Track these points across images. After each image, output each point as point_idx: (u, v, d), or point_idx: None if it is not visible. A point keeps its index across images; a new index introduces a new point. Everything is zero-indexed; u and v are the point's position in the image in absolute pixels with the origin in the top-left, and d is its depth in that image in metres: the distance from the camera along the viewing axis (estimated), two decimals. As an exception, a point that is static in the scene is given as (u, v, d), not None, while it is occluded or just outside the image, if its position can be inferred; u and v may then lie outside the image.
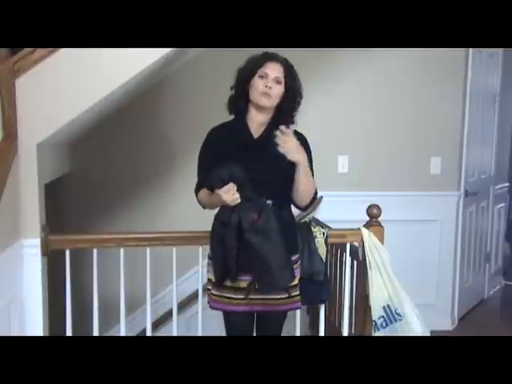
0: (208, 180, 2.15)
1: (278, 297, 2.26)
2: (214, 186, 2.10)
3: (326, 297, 2.60)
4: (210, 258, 2.32)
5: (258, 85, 2.22)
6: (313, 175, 2.31)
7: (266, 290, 2.21)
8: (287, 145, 2.14)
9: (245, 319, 2.34)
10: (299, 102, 2.31)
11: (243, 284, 2.24)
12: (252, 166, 2.14)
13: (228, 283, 2.24)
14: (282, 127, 2.15)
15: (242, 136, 2.26)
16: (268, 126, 2.27)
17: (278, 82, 2.22)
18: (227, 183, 2.07)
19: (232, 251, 2.12)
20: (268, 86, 2.20)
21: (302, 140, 2.31)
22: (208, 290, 2.35)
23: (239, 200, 2.08)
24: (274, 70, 2.22)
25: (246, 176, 2.10)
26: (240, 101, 2.29)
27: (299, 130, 2.35)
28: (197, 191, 2.33)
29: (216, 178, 2.09)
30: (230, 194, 2.07)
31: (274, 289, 2.21)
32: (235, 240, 2.11)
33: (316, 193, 2.33)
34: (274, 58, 2.25)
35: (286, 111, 2.28)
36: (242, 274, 2.21)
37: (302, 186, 2.24)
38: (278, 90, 2.23)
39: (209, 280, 2.34)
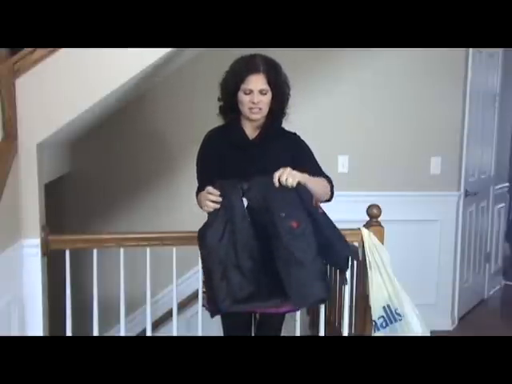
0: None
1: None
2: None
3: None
4: None
5: (244, 101, 2.19)
6: (320, 169, 2.30)
7: (302, 304, 2.17)
8: (286, 180, 2.06)
9: (243, 321, 2.32)
10: (288, 94, 2.28)
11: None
12: (249, 167, 2.13)
13: None
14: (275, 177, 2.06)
15: (237, 139, 2.26)
16: (263, 128, 2.27)
17: (264, 93, 2.19)
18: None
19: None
20: (255, 102, 2.18)
21: (296, 140, 2.31)
22: (204, 292, 2.34)
23: (210, 210, 2.06)
24: (257, 84, 2.18)
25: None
26: (231, 111, 2.28)
27: (298, 130, 2.35)
28: (197, 194, 2.31)
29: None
30: (209, 196, 2.05)
31: (311, 302, 2.17)
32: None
33: (331, 184, 2.31)
34: (254, 69, 2.18)
35: (277, 110, 2.27)
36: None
37: (317, 193, 2.19)
38: (265, 100, 2.20)
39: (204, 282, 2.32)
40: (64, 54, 2.37)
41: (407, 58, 3.79)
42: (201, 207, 2.29)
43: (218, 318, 2.36)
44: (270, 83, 2.20)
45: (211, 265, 2.06)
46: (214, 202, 2.06)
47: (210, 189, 2.06)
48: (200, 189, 2.29)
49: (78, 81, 2.43)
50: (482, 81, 4.22)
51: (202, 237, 2.08)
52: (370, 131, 3.88)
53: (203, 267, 2.17)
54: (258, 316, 2.40)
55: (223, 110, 2.31)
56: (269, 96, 2.21)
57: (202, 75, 3.67)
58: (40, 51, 2.35)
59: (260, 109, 2.20)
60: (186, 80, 3.72)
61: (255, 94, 2.18)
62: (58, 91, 2.42)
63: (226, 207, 2.05)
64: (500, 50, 4.47)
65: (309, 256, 2.02)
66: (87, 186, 3.77)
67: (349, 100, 3.86)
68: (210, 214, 2.10)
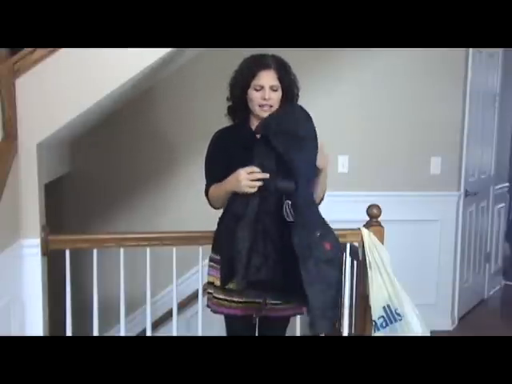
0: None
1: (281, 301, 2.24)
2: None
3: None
4: (211, 260, 2.31)
5: (255, 98, 2.17)
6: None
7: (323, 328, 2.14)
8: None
9: (247, 325, 2.31)
10: (297, 95, 2.27)
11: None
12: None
13: (231, 286, 2.19)
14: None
15: (246, 138, 2.23)
16: None
17: (275, 90, 2.18)
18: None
19: (243, 244, 2.02)
20: (266, 99, 2.16)
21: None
22: (209, 293, 2.33)
23: (254, 189, 2.03)
24: (268, 80, 2.16)
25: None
26: (240, 112, 2.26)
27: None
28: (207, 192, 2.29)
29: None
30: (249, 176, 2.03)
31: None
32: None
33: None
34: (265, 65, 2.18)
35: None
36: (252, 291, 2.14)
37: (320, 187, 2.23)
38: (276, 97, 2.19)
39: (210, 283, 2.32)
40: (64, 53, 2.37)
41: (407, 57, 3.79)
42: (211, 205, 2.28)
43: (220, 318, 2.36)
44: (280, 80, 2.18)
45: (241, 239, 2.03)
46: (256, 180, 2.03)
47: (253, 168, 2.03)
48: (209, 187, 2.28)
49: (78, 81, 2.43)
50: (481, 81, 4.22)
51: (237, 209, 2.07)
52: (370, 131, 3.89)
53: (227, 239, 2.10)
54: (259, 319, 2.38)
55: (232, 110, 2.29)
56: (279, 93, 2.19)
57: (202, 75, 3.67)
58: (40, 51, 2.35)
59: (271, 106, 2.18)
60: (186, 80, 3.72)
61: (266, 90, 2.16)
62: (57, 91, 2.42)
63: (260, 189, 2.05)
64: (500, 50, 4.47)
65: (333, 280, 2.05)
66: (87, 186, 3.77)
67: (349, 100, 3.86)
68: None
